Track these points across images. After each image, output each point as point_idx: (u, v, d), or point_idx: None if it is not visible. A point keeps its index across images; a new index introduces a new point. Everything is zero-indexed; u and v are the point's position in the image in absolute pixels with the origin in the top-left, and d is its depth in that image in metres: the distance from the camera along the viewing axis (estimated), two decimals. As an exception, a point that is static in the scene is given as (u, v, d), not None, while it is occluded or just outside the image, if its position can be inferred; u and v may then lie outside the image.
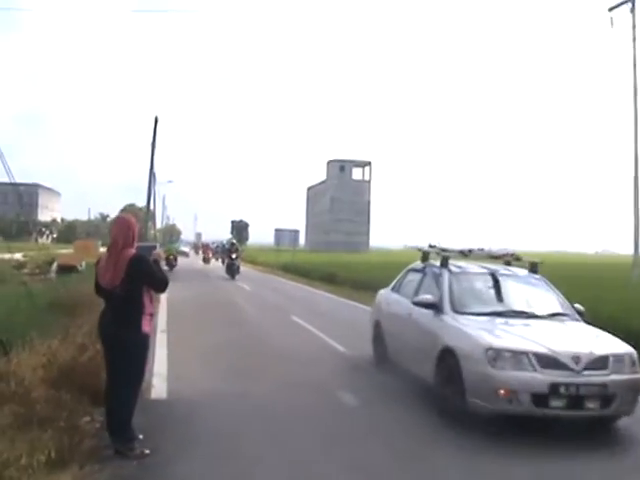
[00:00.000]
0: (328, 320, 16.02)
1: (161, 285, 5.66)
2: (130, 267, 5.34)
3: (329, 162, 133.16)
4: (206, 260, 52.22)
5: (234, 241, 37.52)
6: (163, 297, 19.64)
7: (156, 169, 65.87)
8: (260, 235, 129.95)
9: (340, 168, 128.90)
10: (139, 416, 5.90)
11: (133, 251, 5.47)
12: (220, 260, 55.53)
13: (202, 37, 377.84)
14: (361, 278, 27.71)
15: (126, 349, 5.43)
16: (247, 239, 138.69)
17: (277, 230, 51.21)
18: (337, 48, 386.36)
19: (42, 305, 12.55)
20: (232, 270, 31.99)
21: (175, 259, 38.07)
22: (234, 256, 32.41)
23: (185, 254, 69.69)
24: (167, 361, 9.60)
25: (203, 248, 59.09)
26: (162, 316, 15.17)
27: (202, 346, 11.24)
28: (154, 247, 6.16)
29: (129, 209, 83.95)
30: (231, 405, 7.37)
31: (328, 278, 31.89)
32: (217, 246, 63.51)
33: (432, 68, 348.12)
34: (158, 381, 8.23)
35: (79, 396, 6.60)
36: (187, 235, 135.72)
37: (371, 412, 7.35)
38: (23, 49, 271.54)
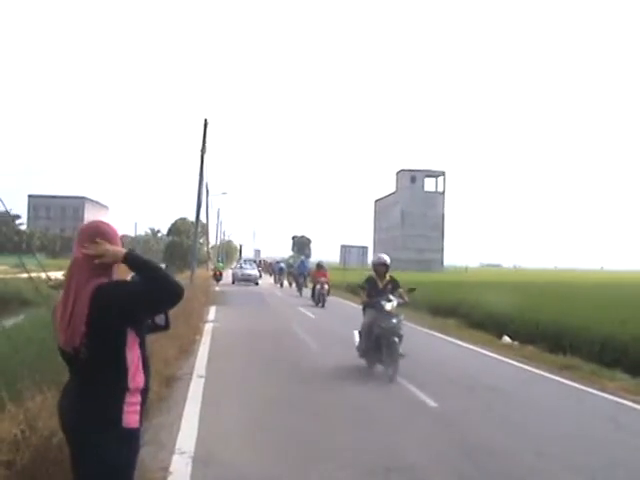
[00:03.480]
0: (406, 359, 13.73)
1: (164, 292, 3.19)
2: (95, 303, 3.17)
3: (399, 172, 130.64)
4: (321, 298, 28.88)
5: (387, 260, 12.53)
6: (208, 328, 17.84)
7: (210, 181, 64.78)
8: (323, 252, 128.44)
9: (411, 179, 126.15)
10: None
11: (100, 281, 3.29)
12: (284, 283, 47.35)
13: (262, 40, 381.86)
14: (442, 302, 25.67)
15: (96, 455, 3.27)
16: (309, 257, 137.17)
17: (343, 247, 49.17)
18: (405, 51, 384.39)
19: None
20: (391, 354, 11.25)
21: (220, 274, 46.29)
22: (391, 304, 11.66)
23: (252, 280, 48.04)
24: (198, 428, 7.43)
25: (316, 274, 30.79)
26: (202, 353, 13.18)
27: (249, 403, 9.09)
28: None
29: (180, 223, 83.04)
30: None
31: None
32: (283, 266, 50.20)
33: (505, 73, 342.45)
34: (179, 465, 6.05)
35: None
36: (244, 253, 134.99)
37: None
38: (58, 43, 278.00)
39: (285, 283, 47.70)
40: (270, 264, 71.49)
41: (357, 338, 12.50)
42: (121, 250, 3.28)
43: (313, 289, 30.38)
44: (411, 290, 12.36)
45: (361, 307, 12.91)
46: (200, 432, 7.25)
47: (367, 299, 12.04)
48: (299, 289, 37.71)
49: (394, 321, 11.43)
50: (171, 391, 9.21)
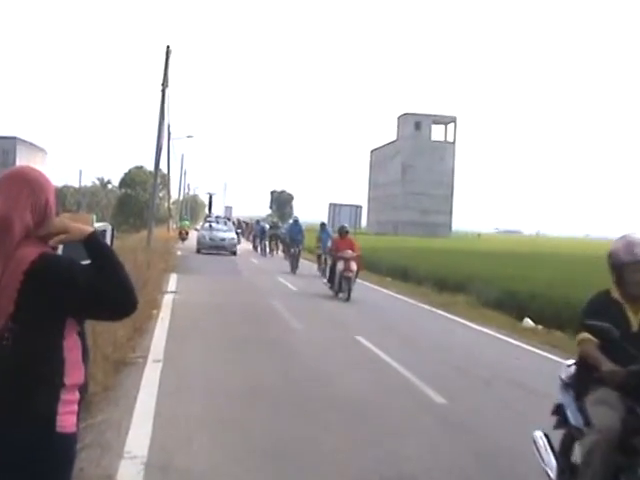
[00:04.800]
0: (402, 341, 14.17)
1: (117, 299, 3.00)
2: (35, 275, 2.96)
3: (401, 117, 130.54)
4: (345, 284, 20.74)
5: None
6: (167, 300, 17.71)
7: (173, 123, 64.06)
8: (307, 211, 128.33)
9: (415, 125, 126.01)
10: None
11: (42, 250, 3.08)
12: (265, 249, 44.65)
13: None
14: (449, 274, 26.09)
15: (20, 467, 3.07)
16: (290, 215, 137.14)
17: (332, 205, 48.81)
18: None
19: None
20: None
21: (187, 233, 54.27)
22: None
23: (227, 247, 41.30)
24: (153, 426, 7.28)
25: (338, 243, 22.32)
26: (160, 332, 13.07)
27: (215, 394, 8.97)
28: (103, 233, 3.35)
29: (135, 172, 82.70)
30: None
31: (402, 274, 29.83)
32: (265, 226, 47.12)
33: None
34: (129, 473, 5.91)
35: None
36: (214, 209, 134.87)
37: None
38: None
39: (265, 248, 45.01)
40: (248, 225, 66.91)
41: (554, 465, 5.33)
42: (87, 229, 3.08)
43: (332, 268, 22.02)
44: None
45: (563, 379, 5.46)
46: (155, 431, 7.12)
47: (606, 368, 4.66)
48: (292, 263, 31.50)
49: None
50: (120, 379, 9.09)
